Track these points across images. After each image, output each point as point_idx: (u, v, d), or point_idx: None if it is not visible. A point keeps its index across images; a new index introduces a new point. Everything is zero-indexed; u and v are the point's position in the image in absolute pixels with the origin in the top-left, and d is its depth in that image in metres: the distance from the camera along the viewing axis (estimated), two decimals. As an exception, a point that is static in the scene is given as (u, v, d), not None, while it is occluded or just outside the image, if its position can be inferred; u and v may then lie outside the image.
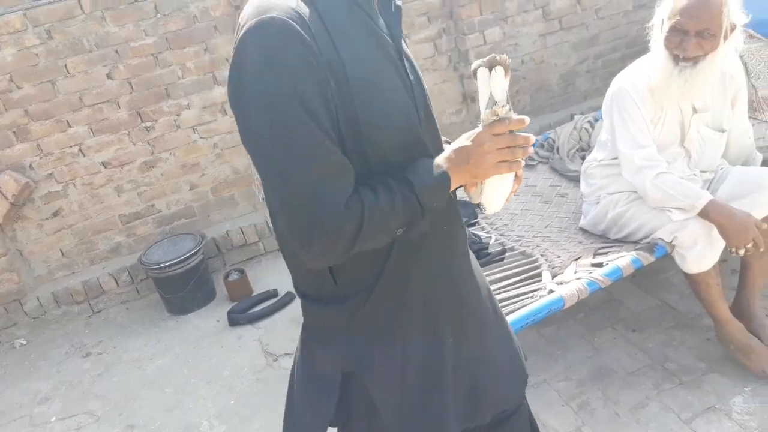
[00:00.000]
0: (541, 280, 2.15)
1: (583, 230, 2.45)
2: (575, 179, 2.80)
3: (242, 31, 0.97)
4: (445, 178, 1.05)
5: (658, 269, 2.66)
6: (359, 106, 0.99)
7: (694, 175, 2.20)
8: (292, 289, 3.11)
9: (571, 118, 3.46)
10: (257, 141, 0.98)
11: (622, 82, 2.14)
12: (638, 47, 3.91)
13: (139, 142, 3.35)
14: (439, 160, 1.07)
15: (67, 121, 3.20)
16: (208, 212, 3.60)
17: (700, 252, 2.03)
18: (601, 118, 2.48)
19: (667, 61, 1.99)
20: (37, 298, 3.31)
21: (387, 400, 1.20)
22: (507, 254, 2.40)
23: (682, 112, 2.12)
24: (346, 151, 1.00)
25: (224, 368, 2.76)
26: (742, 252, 1.99)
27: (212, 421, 2.46)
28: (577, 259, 2.20)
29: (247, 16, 0.99)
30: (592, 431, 2.04)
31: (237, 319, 3.05)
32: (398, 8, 1.12)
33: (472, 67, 1.05)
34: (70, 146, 3.25)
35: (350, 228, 0.98)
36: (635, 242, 2.21)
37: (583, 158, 2.88)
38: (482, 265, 2.21)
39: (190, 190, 3.54)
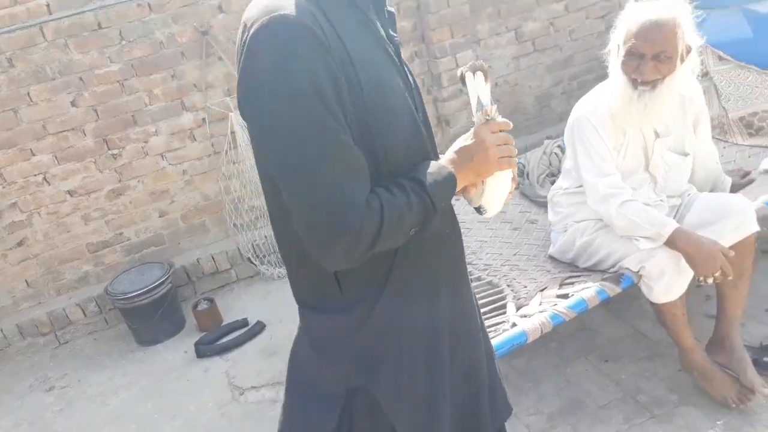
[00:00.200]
0: (505, 313, 2.09)
1: (552, 258, 2.40)
2: (545, 205, 2.75)
3: (252, 31, 0.93)
4: (451, 177, 1.05)
5: (633, 295, 2.60)
6: (369, 106, 0.98)
7: (661, 200, 2.16)
8: (262, 318, 3.11)
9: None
10: (275, 139, 0.94)
11: (582, 109, 2.11)
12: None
13: (106, 169, 3.29)
14: (443, 161, 1.08)
15: (30, 149, 3.14)
16: (179, 239, 3.54)
17: (668, 283, 1.98)
18: (567, 145, 2.44)
19: (625, 86, 1.96)
20: (1, 330, 3.23)
21: (401, 410, 1.17)
22: (474, 284, 2.34)
23: (644, 137, 2.09)
24: None
25: (189, 403, 2.67)
26: (710, 281, 1.94)
27: (173, 461, 2.38)
28: (543, 290, 2.15)
29: (253, 17, 0.95)
30: (560, 469, 1.99)
31: (204, 351, 2.97)
32: (391, 14, 1.12)
33: (458, 73, 1.13)
34: (34, 175, 3.18)
35: (372, 226, 0.96)
36: (603, 271, 2.16)
37: (553, 183, 2.84)
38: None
39: (159, 217, 3.47)
